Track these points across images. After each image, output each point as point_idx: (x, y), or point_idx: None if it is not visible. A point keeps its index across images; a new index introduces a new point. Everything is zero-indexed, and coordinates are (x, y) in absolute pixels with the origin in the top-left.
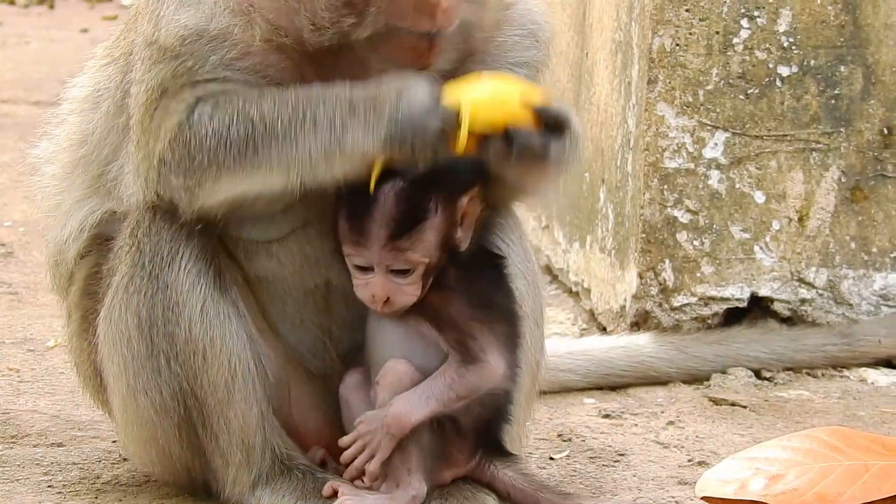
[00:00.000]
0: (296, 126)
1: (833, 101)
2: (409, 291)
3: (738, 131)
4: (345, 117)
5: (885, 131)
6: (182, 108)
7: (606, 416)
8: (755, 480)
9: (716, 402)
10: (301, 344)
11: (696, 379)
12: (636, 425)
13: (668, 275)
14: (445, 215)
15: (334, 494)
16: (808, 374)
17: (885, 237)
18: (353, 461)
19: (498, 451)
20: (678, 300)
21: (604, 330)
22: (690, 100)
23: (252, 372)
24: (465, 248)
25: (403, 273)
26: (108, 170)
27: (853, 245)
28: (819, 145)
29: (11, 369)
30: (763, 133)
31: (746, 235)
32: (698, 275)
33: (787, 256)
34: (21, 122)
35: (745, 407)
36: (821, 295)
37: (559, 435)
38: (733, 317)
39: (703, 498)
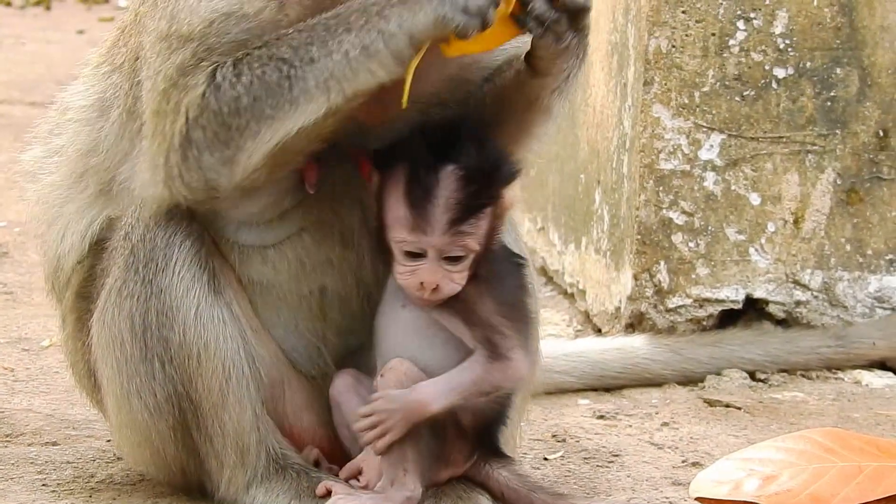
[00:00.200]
0: (328, 39)
1: (829, 104)
2: (457, 280)
3: (734, 133)
4: (383, 6)
5: (881, 133)
6: (202, 80)
7: (601, 417)
8: (749, 481)
9: (710, 403)
10: (295, 349)
11: (690, 380)
12: (630, 426)
13: (663, 276)
14: (496, 205)
15: (328, 494)
16: (803, 375)
17: (880, 239)
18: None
19: (494, 451)
20: (673, 302)
21: (599, 331)
22: (686, 101)
23: (246, 374)
24: (497, 244)
25: (455, 260)
26: (118, 174)
27: (848, 247)
28: (815, 147)
29: (6, 368)
30: (759, 135)
31: (742, 237)
32: (693, 276)
33: (782, 258)
34: (17, 122)
35: (739, 408)
36: (816, 297)
37: (553, 436)
38: (728, 318)
39: (696, 499)
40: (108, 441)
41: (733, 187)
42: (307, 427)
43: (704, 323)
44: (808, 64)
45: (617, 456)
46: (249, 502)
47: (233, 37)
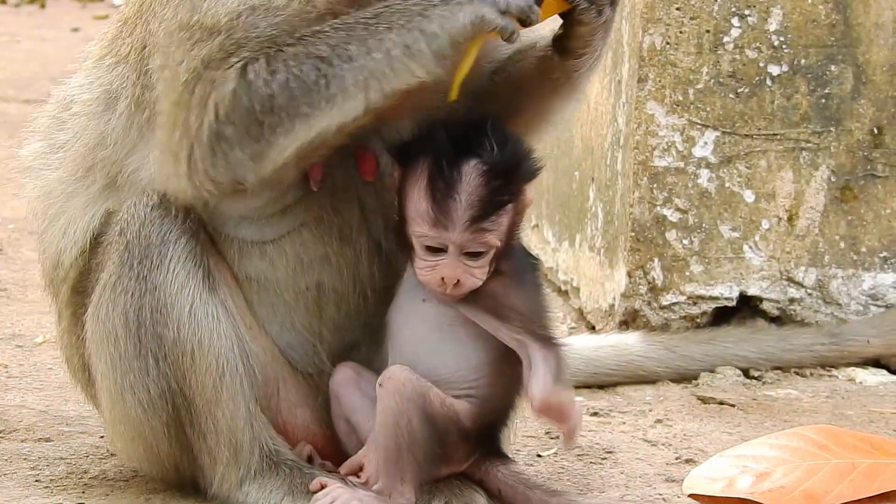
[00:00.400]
0: (368, 38)
1: (823, 101)
2: (477, 275)
3: (728, 130)
4: (425, 6)
5: (876, 131)
6: (232, 76)
7: (594, 414)
8: (742, 478)
9: (704, 400)
10: (291, 346)
11: (684, 378)
12: (624, 423)
13: (657, 273)
14: (518, 201)
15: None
16: (797, 373)
17: (874, 237)
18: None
19: (494, 451)
20: (667, 299)
21: (592, 329)
22: (680, 98)
23: (240, 371)
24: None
25: (476, 256)
26: (126, 166)
27: (842, 245)
28: (809, 144)
29: (0, 365)
30: (753, 132)
31: (736, 234)
32: (687, 274)
33: (776, 256)
34: (11, 120)
35: (733, 406)
36: (810, 294)
37: (547, 432)
38: (722, 316)
39: (690, 495)
40: (102, 437)
41: (727, 184)
42: (301, 424)
43: (698, 320)
44: (803, 61)
45: (610, 453)
46: (243, 499)
47: (261, 31)
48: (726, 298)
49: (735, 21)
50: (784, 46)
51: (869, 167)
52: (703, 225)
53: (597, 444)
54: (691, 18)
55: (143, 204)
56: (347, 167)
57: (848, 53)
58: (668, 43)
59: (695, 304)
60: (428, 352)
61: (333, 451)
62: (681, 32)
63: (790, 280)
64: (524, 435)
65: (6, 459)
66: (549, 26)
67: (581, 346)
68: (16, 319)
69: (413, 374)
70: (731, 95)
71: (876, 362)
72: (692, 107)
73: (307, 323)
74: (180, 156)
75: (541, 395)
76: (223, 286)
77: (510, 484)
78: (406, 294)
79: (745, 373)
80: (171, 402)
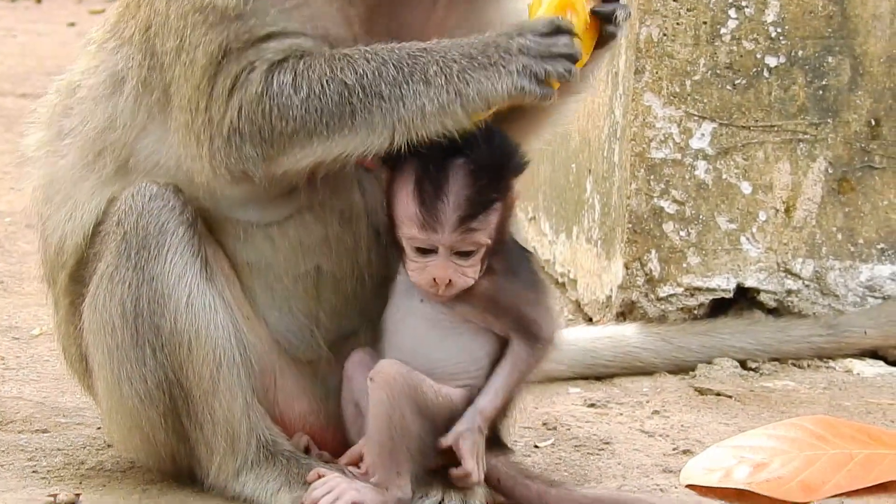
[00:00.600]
0: (402, 84)
1: (820, 92)
2: (469, 274)
3: (725, 122)
4: (464, 67)
5: (873, 122)
6: (258, 79)
7: (592, 405)
8: (740, 468)
9: (701, 392)
10: (288, 331)
11: (681, 369)
12: (621, 414)
13: (654, 265)
14: (506, 198)
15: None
16: (794, 364)
17: (871, 228)
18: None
19: (494, 441)
20: (664, 291)
21: (590, 320)
22: (677, 90)
23: (237, 362)
24: (508, 236)
25: (466, 255)
26: (137, 150)
27: (840, 236)
28: (806, 136)
29: None
30: (750, 124)
31: (733, 226)
32: (684, 265)
33: (773, 247)
34: (8, 114)
35: (730, 397)
36: (807, 286)
37: (544, 423)
38: (719, 307)
39: (687, 486)
40: (99, 429)
41: (724, 176)
42: (298, 414)
43: (695, 312)
44: (800, 53)
45: (608, 444)
46: (239, 489)
47: (274, 14)
48: (723, 290)
49: (732, 12)
50: (781, 38)
51: (866, 159)
52: (701, 217)
53: (594, 434)
54: (688, 10)
55: (141, 195)
56: None
57: (845, 45)
58: (665, 34)
59: (692, 295)
60: (429, 349)
61: (330, 442)
62: (678, 24)
63: (787, 272)
64: (521, 426)
65: (3, 451)
66: None
67: (578, 338)
68: (12, 312)
69: (404, 368)
70: (728, 87)
71: (873, 353)
72: (689, 98)
73: (305, 307)
74: (202, 139)
75: (456, 431)
76: (220, 276)
77: (509, 474)
78: (402, 295)
79: (743, 364)
80: (168, 393)
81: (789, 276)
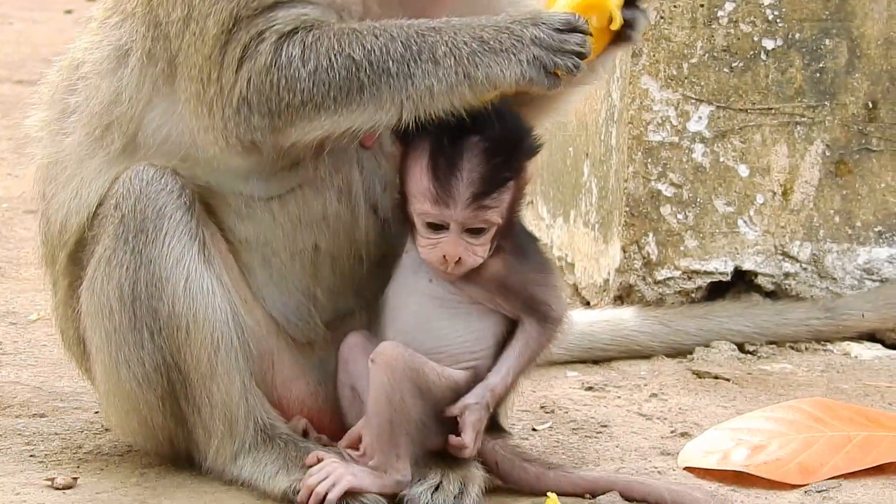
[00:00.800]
0: (411, 62)
1: (818, 75)
2: (479, 252)
3: (723, 105)
4: (474, 50)
5: (870, 105)
6: (267, 49)
7: (589, 388)
8: (738, 451)
9: (699, 375)
10: (285, 309)
11: (679, 352)
12: (619, 397)
13: (651, 248)
14: (519, 178)
15: (318, 463)
16: (792, 347)
17: (869, 211)
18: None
19: (493, 426)
20: (662, 274)
21: (587, 304)
22: (675, 73)
23: (235, 345)
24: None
25: (477, 233)
26: (145, 123)
27: (837, 219)
28: (803, 119)
29: None
30: (747, 106)
31: (730, 209)
32: (682, 248)
33: (770, 230)
34: (4, 101)
35: (728, 380)
36: (804, 269)
37: (542, 407)
38: (717, 290)
39: (685, 468)
40: (96, 413)
41: (722, 159)
42: (296, 397)
43: (693, 295)
44: (797, 35)
45: (605, 427)
46: (237, 472)
47: None
48: (721, 273)
49: None
50: (778, 20)
51: (863, 141)
52: (698, 200)
53: (592, 417)
54: None
55: (139, 178)
56: None
57: (842, 27)
58: (662, 17)
59: (689, 278)
60: (435, 329)
61: (328, 425)
62: (675, 7)
63: (785, 255)
64: (519, 409)
65: (1, 435)
66: None
67: (576, 322)
68: (10, 297)
69: (405, 350)
70: (725, 70)
71: (871, 336)
72: (686, 81)
73: (302, 285)
74: (214, 109)
75: (463, 403)
76: (218, 259)
77: (507, 457)
78: (409, 273)
79: (740, 347)
80: (166, 376)
81: (787, 259)
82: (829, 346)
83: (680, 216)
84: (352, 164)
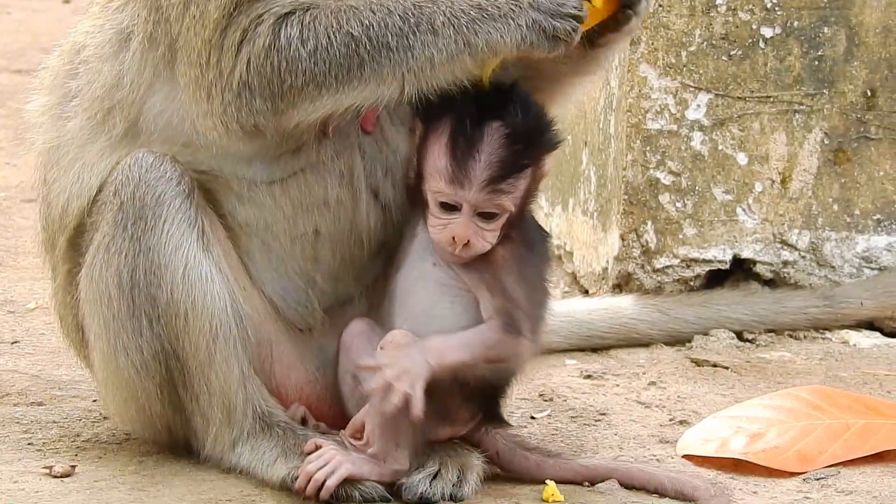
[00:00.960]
0: (409, 34)
1: (816, 63)
2: (488, 238)
3: (721, 93)
4: (473, 17)
5: (869, 93)
6: (265, 31)
7: (588, 376)
8: (736, 439)
9: (697, 363)
10: (285, 294)
11: (677, 341)
12: (618, 386)
13: (650, 237)
14: (536, 169)
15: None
16: (790, 335)
17: (867, 199)
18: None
19: (494, 416)
20: (660, 262)
21: (586, 292)
22: (673, 61)
23: (233, 333)
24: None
25: (489, 218)
26: (147, 108)
27: (836, 207)
28: (802, 107)
29: None
30: (746, 94)
31: (729, 197)
32: (680, 237)
33: (769, 218)
34: (2, 90)
35: (726, 368)
36: (803, 257)
37: (541, 395)
38: (715, 279)
39: (684, 456)
40: (94, 401)
41: (720, 147)
42: (294, 385)
43: (692, 283)
44: (796, 23)
45: (604, 415)
46: (235, 460)
47: None
48: (720, 261)
49: None
50: (777, 8)
51: (862, 129)
52: (697, 188)
53: (590, 405)
54: None
55: (138, 165)
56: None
57: (841, 15)
58: (660, 5)
59: (688, 267)
60: (438, 314)
61: (327, 412)
62: None
63: (784, 243)
64: (517, 397)
65: None
66: None
67: (574, 310)
68: (8, 286)
69: (413, 339)
70: (723, 58)
71: (869, 324)
72: (685, 69)
73: (302, 269)
74: (213, 94)
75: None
76: (217, 247)
77: (506, 446)
78: (417, 257)
79: (739, 335)
80: (165, 364)
81: (785, 247)
82: (828, 335)
83: (678, 204)
84: (353, 148)
